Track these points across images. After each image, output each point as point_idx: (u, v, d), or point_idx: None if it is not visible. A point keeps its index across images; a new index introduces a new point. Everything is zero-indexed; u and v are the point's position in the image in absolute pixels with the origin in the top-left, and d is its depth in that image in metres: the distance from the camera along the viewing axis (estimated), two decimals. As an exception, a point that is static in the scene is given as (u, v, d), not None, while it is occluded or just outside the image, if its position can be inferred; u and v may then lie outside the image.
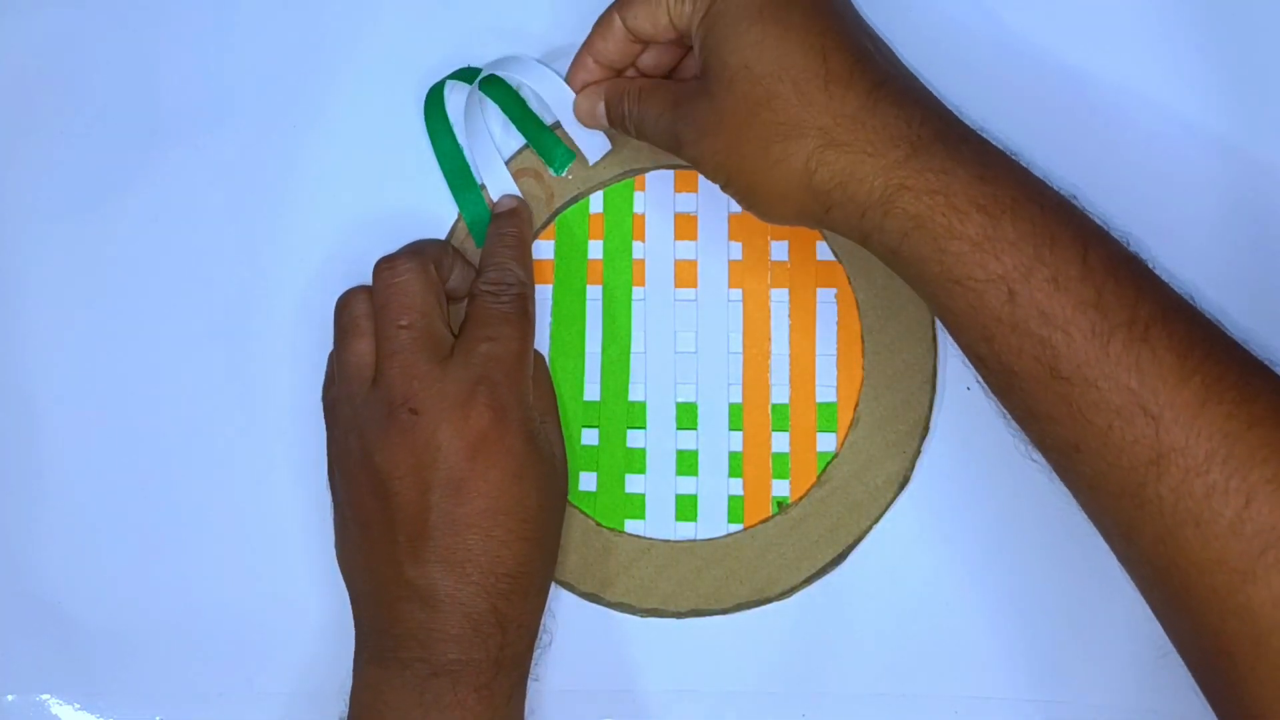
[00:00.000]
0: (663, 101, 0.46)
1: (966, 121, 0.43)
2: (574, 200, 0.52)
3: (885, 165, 0.40)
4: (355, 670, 0.46)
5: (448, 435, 0.44)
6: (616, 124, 0.48)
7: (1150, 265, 0.41)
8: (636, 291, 0.52)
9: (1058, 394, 0.39)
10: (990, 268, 0.39)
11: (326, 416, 0.49)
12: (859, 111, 0.41)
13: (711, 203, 0.51)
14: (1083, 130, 0.50)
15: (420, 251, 0.48)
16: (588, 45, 0.48)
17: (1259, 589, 0.35)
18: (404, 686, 0.44)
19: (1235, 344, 0.39)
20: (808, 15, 0.42)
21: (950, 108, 0.44)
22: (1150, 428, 0.37)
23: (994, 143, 0.43)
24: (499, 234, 0.50)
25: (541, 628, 0.48)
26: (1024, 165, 0.42)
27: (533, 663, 0.47)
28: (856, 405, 0.50)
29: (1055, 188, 0.42)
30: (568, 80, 0.49)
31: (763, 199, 0.43)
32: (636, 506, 0.51)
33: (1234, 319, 0.43)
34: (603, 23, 0.47)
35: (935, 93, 0.44)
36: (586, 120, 0.49)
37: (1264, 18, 0.50)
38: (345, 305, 0.48)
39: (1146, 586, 0.40)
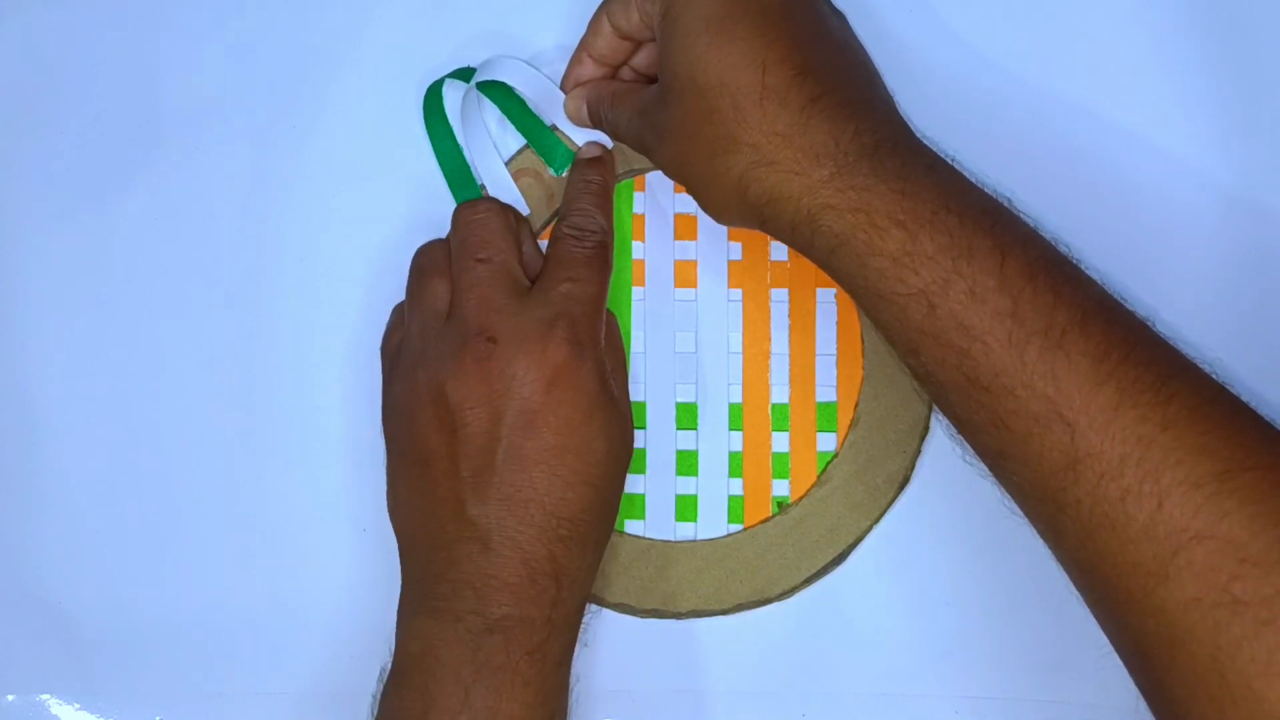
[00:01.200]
0: (632, 106, 0.47)
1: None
2: (574, 200, 0.52)
3: (810, 185, 0.41)
4: (401, 622, 0.46)
5: (524, 366, 0.44)
6: (597, 126, 0.50)
7: (1079, 266, 0.41)
8: (636, 291, 0.52)
9: (980, 403, 0.39)
10: (910, 282, 0.40)
11: (386, 364, 0.49)
12: (789, 129, 0.41)
13: (711, 203, 0.51)
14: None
15: (501, 203, 0.49)
16: (582, 41, 0.49)
17: (1172, 591, 0.36)
18: (456, 641, 0.43)
19: (1160, 345, 0.39)
20: (754, 27, 0.42)
21: (905, 117, 0.44)
22: (1066, 434, 0.37)
23: (928, 147, 0.43)
24: (585, 180, 0.50)
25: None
26: (955, 170, 0.42)
27: (581, 630, 0.47)
28: (856, 405, 0.50)
29: (987, 190, 0.42)
30: (565, 75, 0.50)
31: (710, 206, 0.45)
32: (636, 506, 0.51)
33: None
34: (594, 20, 0.48)
35: (906, 113, 0.45)
36: (574, 120, 0.50)
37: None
38: (424, 250, 0.49)
39: (1077, 587, 0.40)
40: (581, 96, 0.50)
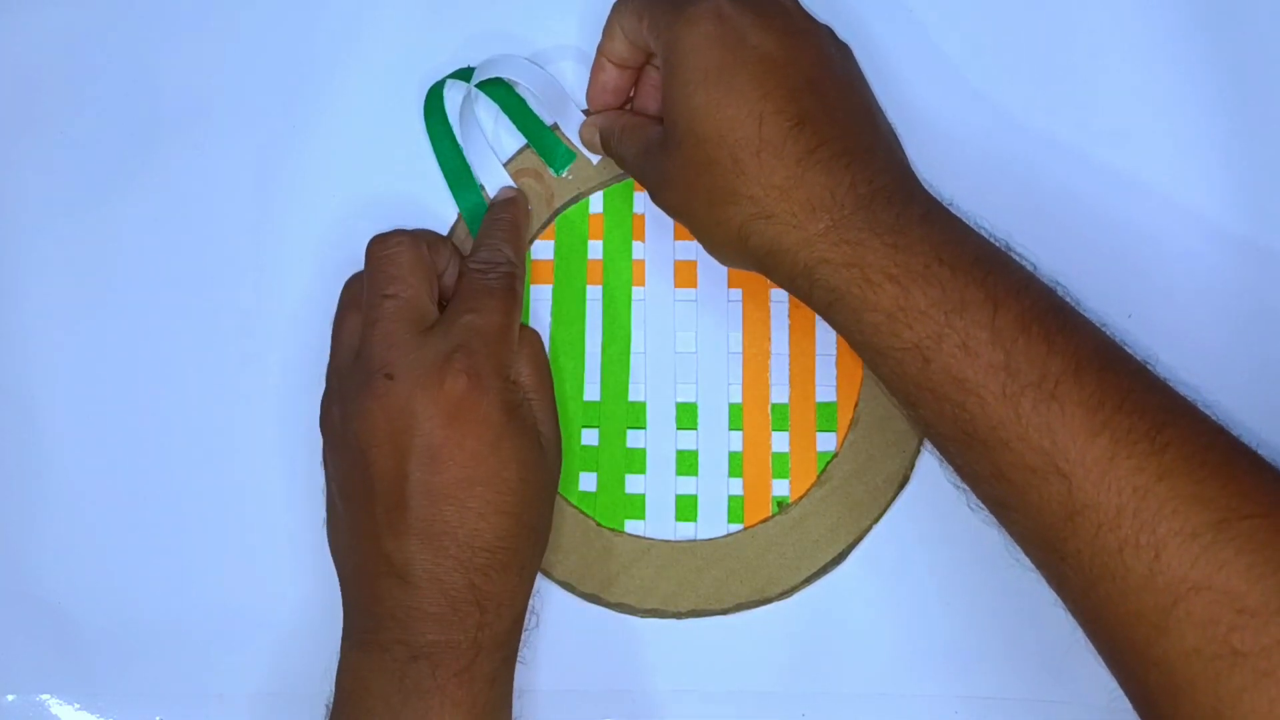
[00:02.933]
0: (636, 145, 0.47)
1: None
2: (574, 200, 0.52)
3: (807, 239, 0.41)
4: (341, 654, 0.46)
5: (423, 401, 0.44)
6: (609, 155, 0.50)
7: (1076, 309, 0.41)
8: (636, 291, 0.52)
9: (978, 455, 0.39)
10: (904, 337, 0.40)
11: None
12: (786, 181, 0.41)
13: (711, 203, 0.51)
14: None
15: (416, 232, 0.48)
16: (600, 47, 0.49)
17: (1173, 642, 0.36)
18: (384, 671, 0.44)
19: (1156, 389, 0.39)
20: (752, 77, 0.42)
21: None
22: (1063, 485, 0.37)
23: (925, 192, 0.43)
24: (493, 219, 0.50)
25: (529, 609, 0.47)
26: (951, 217, 0.42)
27: (521, 644, 0.47)
28: (856, 404, 0.50)
29: (984, 234, 0.42)
30: (591, 79, 0.50)
31: (713, 251, 0.45)
32: (636, 507, 0.51)
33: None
34: (607, 25, 0.48)
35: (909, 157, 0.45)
36: (589, 147, 0.51)
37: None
38: (347, 284, 0.49)
39: (1085, 634, 0.40)
40: (595, 126, 0.50)
